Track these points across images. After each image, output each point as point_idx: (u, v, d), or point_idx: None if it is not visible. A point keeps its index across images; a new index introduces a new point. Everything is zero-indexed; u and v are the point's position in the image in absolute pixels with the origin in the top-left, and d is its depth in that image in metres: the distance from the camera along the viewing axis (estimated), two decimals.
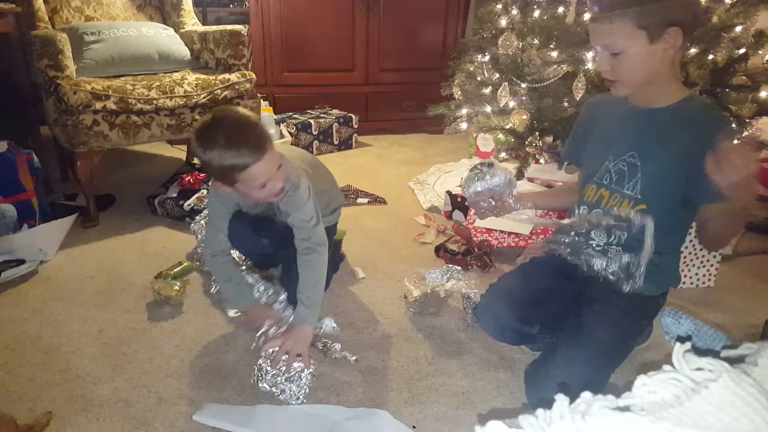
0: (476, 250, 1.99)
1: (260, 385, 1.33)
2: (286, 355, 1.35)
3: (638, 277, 1.23)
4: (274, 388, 1.32)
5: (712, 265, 1.86)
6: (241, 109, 1.39)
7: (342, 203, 1.87)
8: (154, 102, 2.19)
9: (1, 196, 2.00)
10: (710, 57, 1.95)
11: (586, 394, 0.53)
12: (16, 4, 2.38)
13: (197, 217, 2.08)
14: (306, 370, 1.34)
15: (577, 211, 1.40)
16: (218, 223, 1.56)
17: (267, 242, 1.64)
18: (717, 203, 1.17)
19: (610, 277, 1.26)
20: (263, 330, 1.48)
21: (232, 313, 1.68)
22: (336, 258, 1.93)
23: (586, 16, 2.16)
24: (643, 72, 1.19)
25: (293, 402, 1.31)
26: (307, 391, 1.32)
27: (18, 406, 1.27)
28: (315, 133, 3.29)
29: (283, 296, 1.62)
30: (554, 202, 1.65)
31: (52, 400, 1.30)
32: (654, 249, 1.19)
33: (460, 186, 1.35)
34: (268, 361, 1.35)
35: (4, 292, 1.74)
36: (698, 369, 0.54)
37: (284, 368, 1.33)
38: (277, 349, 1.37)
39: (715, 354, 0.56)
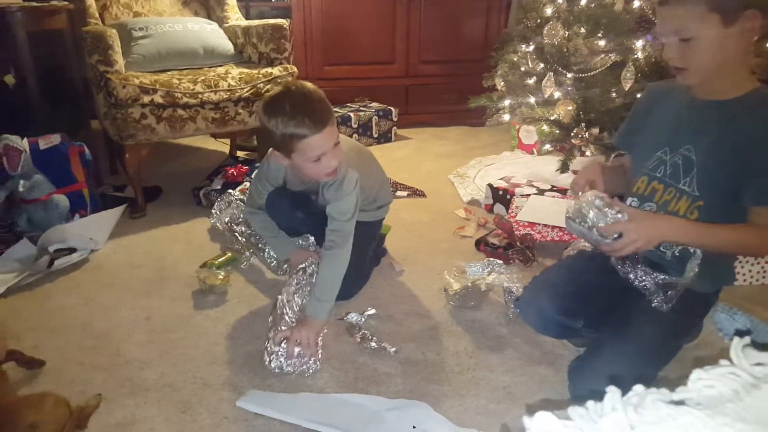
0: (518, 244, 1.95)
1: (271, 365, 1.37)
2: (299, 348, 1.39)
3: (671, 300, 1.19)
4: (277, 368, 1.38)
5: (767, 262, 1.77)
6: (309, 84, 1.46)
7: (389, 201, 1.86)
8: (200, 96, 2.23)
9: (54, 187, 2.08)
10: None
11: (638, 387, 0.51)
12: (69, 1, 2.47)
13: (213, 211, 2.12)
14: (312, 361, 1.39)
15: (625, 204, 1.35)
16: (260, 190, 1.68)
17: (302, 216, 1.68)
18: (759, 207, 1.12)
19: (644, 290, 1.22)
20: (304, 264, 1.59)
21: (279, 272, 1.85)
22: (378, 252, 1.94)
23: (636, 3, 2.09)
24: (715, 59, 1.10)
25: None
26: (307, 373, 1.38)
27: (71, 388, 1.32)
28: (354, 126, 3.29)
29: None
30: (618, 184, 1.45)
31: (102, 384, 1.34)
32: (694, 280, 1.16)
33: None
34: (276, 346, 1.39)
35: (57, 279, 1.81)
36: (758, 364, 0.51)
37: (294, 358, 1.38)
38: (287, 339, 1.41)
39: None
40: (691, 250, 1.15)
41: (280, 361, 1.37)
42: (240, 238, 1.96)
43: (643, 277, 1.22)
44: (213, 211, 2.13)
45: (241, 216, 2.02)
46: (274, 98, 1.40)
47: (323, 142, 1.40)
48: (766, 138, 1.10)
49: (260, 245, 1.92)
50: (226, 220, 2.05)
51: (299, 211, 1.67)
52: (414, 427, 1.20)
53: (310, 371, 1.38)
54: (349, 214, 1.52)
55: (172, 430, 1.21)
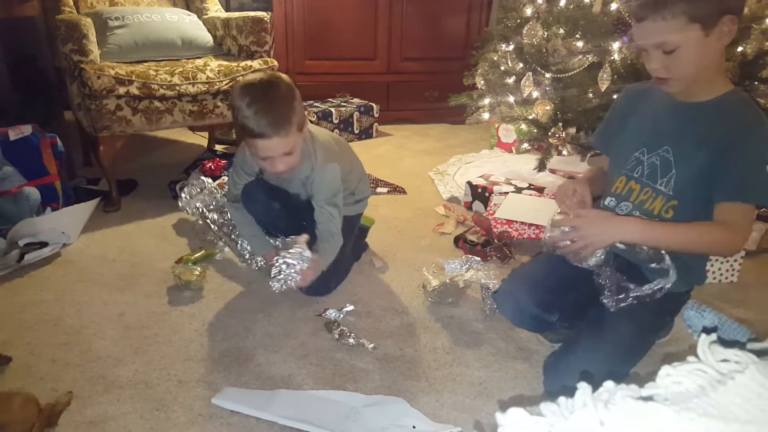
0: (496, 241, 1.96)
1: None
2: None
3: (622, 303, 1.20)
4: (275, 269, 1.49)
5: (735, 261, 1.82)
6: (288, 84, 1.46)
7: (368, 195, 1.88)
8: (177, 88, 2.20)
9: (25, 179, 2.02)
10: (739, 49, 1.90)
11: (608, 383, 0.53)
12: None
13: (182, 195, 2.06)
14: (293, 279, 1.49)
15: (603, 203, 1.37)
16: (236, 182, 1.70)
17: (279, 208, 1.68)
18: (728, 203, 1.14)
19: (600, 283, 1.23)
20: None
21: (254, 266, 1.83)
22: (359, 247, 1.93)
23: (613, 6, 2.11)
24: (698, 66, 1.13)
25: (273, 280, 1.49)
26: (282, 280, 1.49)
27: (40, 386, 1.29)
28: (336, 121, 3.28)
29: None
30: (596, 188, 1.46)
31: (73, 381, 1.31)
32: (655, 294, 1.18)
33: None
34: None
35: (28, 274, 1.77)
36: (724, 360, 0.53)
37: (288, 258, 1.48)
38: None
39: (741, 346, 0.56)
40: (666, 264, 1.16)
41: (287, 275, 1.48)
42: (213, 226, 1.93)
43: (608, 277, 1.24)
44: (182, 195, 2.04)
45: (213, 203, 1.99)
46: (247, 85, 1.42)
47: (271, 148, 1.42)
48: (741, 137, 1.13)
49: (233, 236, 1.89)
50: (197, 205, 1.98)
51: (276, 202, 1.67)
52: (414, 426, 1.20)
53: (291, 282, 1.49)
54: (336, 209, 1.60)
55: (145, 428, 1.19)
